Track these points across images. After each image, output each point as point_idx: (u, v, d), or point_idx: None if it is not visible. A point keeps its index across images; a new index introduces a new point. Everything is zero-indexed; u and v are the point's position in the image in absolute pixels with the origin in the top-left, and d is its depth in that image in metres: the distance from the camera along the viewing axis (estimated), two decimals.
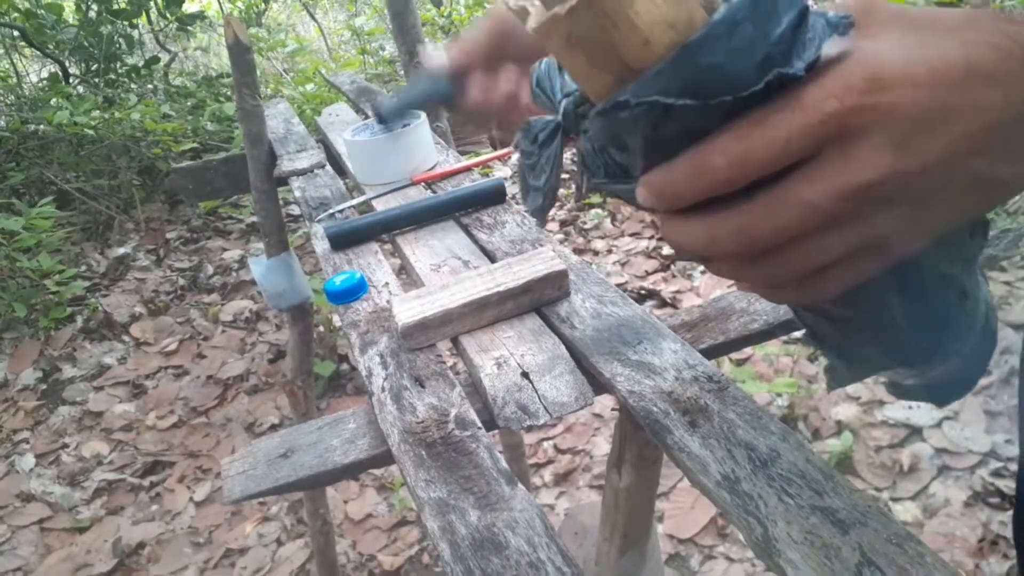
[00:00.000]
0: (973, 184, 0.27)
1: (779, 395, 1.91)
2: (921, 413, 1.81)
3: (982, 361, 0.42)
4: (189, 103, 3.93)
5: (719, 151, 0.26)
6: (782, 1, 0.25)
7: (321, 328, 2.41)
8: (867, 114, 0.25)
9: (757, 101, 0.26)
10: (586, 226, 3.08)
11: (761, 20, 0.25)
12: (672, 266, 2.67)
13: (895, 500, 1.62)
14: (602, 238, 2.97)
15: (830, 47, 0.26)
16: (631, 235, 2.95)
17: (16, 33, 3.92)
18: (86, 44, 3.84)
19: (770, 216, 0.27)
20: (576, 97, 0.38)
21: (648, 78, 0.26)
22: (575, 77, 0.29)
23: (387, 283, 0.82)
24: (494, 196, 0.96)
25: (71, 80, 4.01)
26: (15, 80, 4.01)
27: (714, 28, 0.25)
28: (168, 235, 3.55)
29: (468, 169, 1.10)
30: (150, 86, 4.26)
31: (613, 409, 2.01)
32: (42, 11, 3.77)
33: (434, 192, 1.04)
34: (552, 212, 3.32)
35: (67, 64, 4.05)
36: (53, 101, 3.35)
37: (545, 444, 1.97)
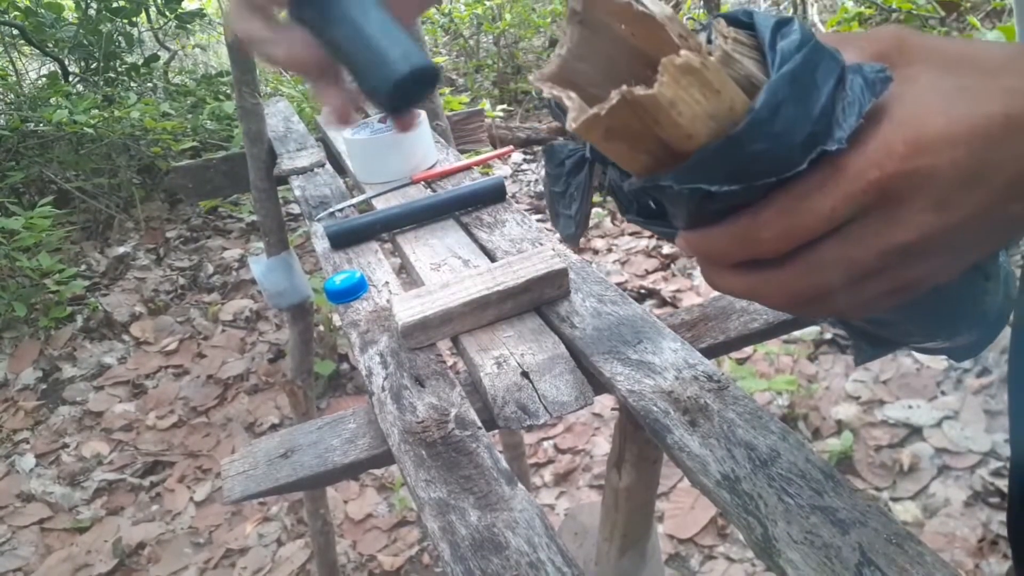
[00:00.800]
0: (1010, 223, 0.28)
1: (779, 394, 1.91)
2: (921, 413, 1.81)
3: (1001, 322, 0.42)
4: (189, 101, 3.93)
5: (764, 225, 0.27)
6: (820, 71, 0.25)
7: (321, 327, 2.41)
8: (909, 178, 0.25)
9: (800, 176, 0.26)
10: None
11: (802, 97, 0.25)
12: (672, 265, 2.67)
13: (895, 500, 1.62)
14: (602, 237, 2.97)
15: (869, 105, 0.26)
16: (631, 234, 2.95)
17: (15, 31, 3.92)
18: (85, 42, 3.84)
19: (812, 274, 0.28)
20: None
21: (691, 166, 0.26)
22: (612, 157, 0.29)
23: (387, 282, 0.82)
24: (494, 195, 0.96)
25: (70, 78, 4.01)
26: (15, 78, 4.01)
27: (757, 116, 0.25)
28: (168, 234, 3.55)
29: (468, 168, 1.09)
30: (150, 84, 4.26)
31: (613, 409, 2.01)
32: (42, 9, 3.77)
33: (434, 191, 1.04)
34: None
35: (66, 62, 4.04)
36: (53, 100, 3.35)
37: (545, 444, 1.97)
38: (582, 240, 2.93)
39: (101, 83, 3.95)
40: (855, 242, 0.27)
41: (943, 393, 1.86)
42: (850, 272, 0.27)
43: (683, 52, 0.24)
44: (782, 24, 0.26)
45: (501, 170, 3.87)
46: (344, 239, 0.91)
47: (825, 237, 0.27)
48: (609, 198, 2.92)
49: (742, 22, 0.28)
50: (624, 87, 0.25)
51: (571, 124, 0.27)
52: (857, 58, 0.27)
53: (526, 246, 0.85)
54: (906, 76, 0.27)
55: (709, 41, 0.29)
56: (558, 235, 0.45)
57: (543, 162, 0.45)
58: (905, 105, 0.26)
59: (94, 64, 3.95)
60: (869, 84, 0.26)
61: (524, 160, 4.04)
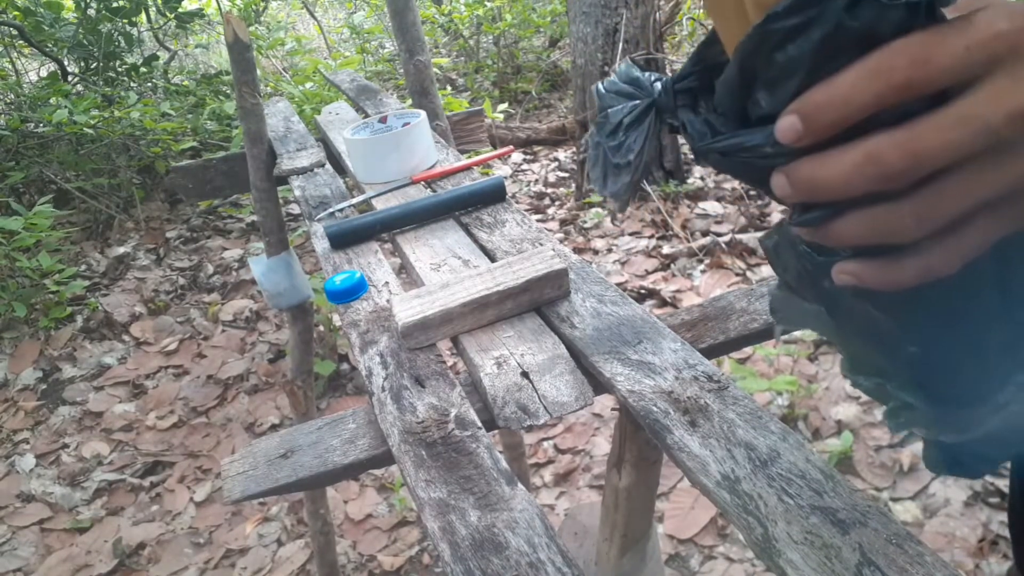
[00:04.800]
0: None
1: (779, 394, 1.91)
2: None
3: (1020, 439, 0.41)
4: (189, 101, 3.93)
5: (900, 52, 0.26)
6: None
7: (321, 328, 2.41)
8: None
9: (927, 15, 0.26)
10: (586, 225, 3.08)
11: None
12: (672, 265, 2.67)
13: (895, 500, 1.62)
14: (602, 237, 2.97)
15: None
16: (631, 234, 2.95)
17: (15, 31, 3.92)
18: (85, 42, 3.84)
19: (942, 131, 0.26)
20: (673, 77, 0.37)
21: None
22: (727, 22, 0.29)
23: (387, 282, 0.82)
24: (494, 195, 0.96)
25: (70, 78, 4.01)
26: (14, 79, 4.01)
27: None
28: (168, 234, 3.55)
29: (468, 168, 1.09)
30: (149, 84, 4.26)
31: (613, 409, 2.01)
32: (41, 9, 3.77)
33: (434, 191, 1.04)
34: (552, 211, 3.32)
35: (66, 62, 4.04)
36: (52, 100, 3.35)
37: (545, 444, 1.97)
38: (582, 241, 2.94)
39: (101, 83, 3.95)
40: (985, 99, 0.26)
41: None
42: (978, 134, 0.26)
43: None
44: None
45: (501, 170, 3.87)
46: (344, 239, 0.91)
47: (955, 94, 0.27)
48: (604, 207, 2.87)
49: None
50: None
51: None
52: None
53: (526, 246, 0.85)
54: None
55: None
56: (605, 194, 0.43)
57: (589, 135, 0.44)
58: None
59: (94, 64, 3.95)
60: None
61: (524, 160, 4.04)
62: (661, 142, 3.26)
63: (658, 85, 0.38)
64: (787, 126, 0.27)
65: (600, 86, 0.41)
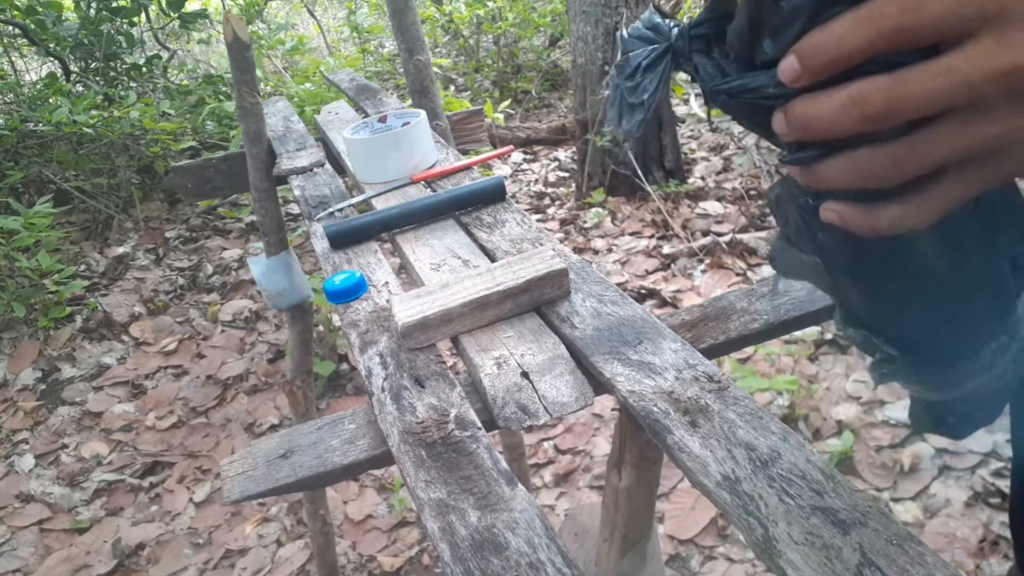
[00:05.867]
0: None
1: (780, 394, 1.91)
2: None
3: (1011, 390, 0.42)
4: (189, 101, 3.93)
5: (891, 1, 0.27)
6: None
7: (321, 328, 2.41)
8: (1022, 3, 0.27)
9: None
10: (586, 225, 3.08)
11: None
12: (672, 265, 2.67)
13: (896, 500, 1.62)
14: (602, 237, 2.97)
15: None
16: (631, 234, 2.95)
17: (16, 30, 3.92)
18: (86, 42, 3.84)
19: (923, 82, 0.28)
20: (690, 23, 0.40)
21: None
22: None
23: (387, 282, 0.82)
24: (494, 194, 0.96)
25: (70, 78, 4.01)
26: (14, 78, 4.01)
27: None
28: (167, 234, 3.55)
29: (468, 167, 1.09)
30: (149, 84, 4.26)
31: (613, 409, 2.01)
32: (42, 8, 3.77)
33: (434, 191, 1.04)
34: (552, 211, 3.32)
35: (67, 62, 4.04)
36: (52, 99, 3.35)
37: (545, 444, 1.97)
38: (582, 240, 2.94)
39: (101, 83, 3.95)
40: (966, 57, 0.27)
41: None
42: (958, 89, 0.28)
43: None
44: None
45: (501, 170, 3.87)
46: (344, 239, 0.91)
47: (942, 49, 0.28)
48: (604, 207, 2.88)
49: None
50: None
51: None
52: None
53: (526, 246, 0.84)
54: None
55: None
56: (619, 130, 0.46)
57: (611, 74, 0.47)
58: None
59: (94, 64, 3.95)
60: None
61: (524, 160, 4.04)
62: (662, 141, 3.26)
63: (676, 31, 0.41)
64: (787, 66, 0.29)
65: (624, 32, 0.44)
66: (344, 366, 2.43)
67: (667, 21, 0.42)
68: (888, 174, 0.30)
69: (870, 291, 0.38)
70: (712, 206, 3.03)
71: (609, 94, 0.45)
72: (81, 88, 3.94)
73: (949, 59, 0.28)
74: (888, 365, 0.41)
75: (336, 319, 2.44)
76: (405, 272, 0.91)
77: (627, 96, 0.44)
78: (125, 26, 4.10)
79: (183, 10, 4.14)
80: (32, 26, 3.75)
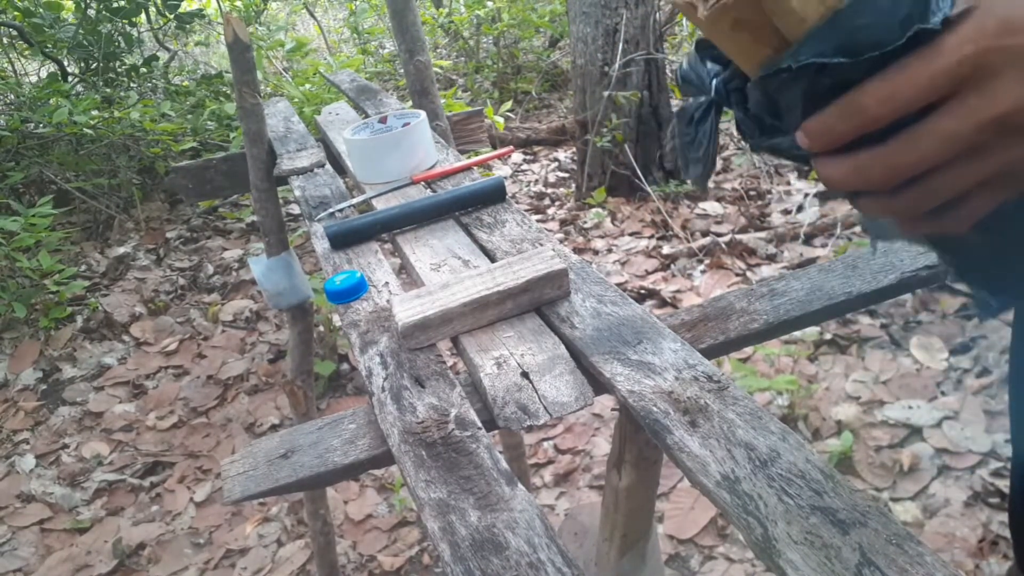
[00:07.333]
0: None
1: (780, 394, 1.91)
2: (921, 413, 1.81)
3: None
4: (189, 102, 3.93)
5: (869, 93, 0.30)
6: None
7: (321, 328, 2.41)
8: (1001, 54, 0.28)
9: (900, 54, 0.29)
10: (586, 225, 3.08)
11: None
12: (672, 265, 2.67)
13: (895, 500, 1.62)
14: (602, 237, 2.97)
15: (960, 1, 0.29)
16: (631, 234, 2.95)
17: (15, 32, 3.92)
18: (85, 43, 3.84)
19: (915, 147, 0.30)
20: (725, 76, 0.44)
21: (805, 44, 0.31)
22: (735, 55, 0.35)
23: (387, 283, 0.82)
24: (494, 195, 0.96)
25: (70, 79, 4.01)
26: (14, 79, 4.01)
27: None
28: (168, 234, 3.55)
29: (468, 168, 1.09)
30: (149, 85, 4.26)
31: (613, 409, 2.01)
32: (41, 10, 3.77)
33: (434, 191, 1.04)
34: (552, 211, 3.32)
35: (66, 63, 4.04)
36: (52, 100, 3.35)
37: (545, 444, 1.97)
38: (582, 241, 2.94)
39: (101, 83, 3.95)
40: (953, 115, 0.30)
41: (943, 393, 1.86)
42: (949, 145, 0.30)
43: None
44: None
45: (501, 170, 3.87)
46: (344, 239, 0.91)
47: (925, 112, 0.30)
48: (604, 207, 2.90)
49: None
50: None
51: (702, 14, 0.32)
52: None
53: (526, 246, 0.85)
54: None
55: None
56: (688, 179, 0.51)
57: (674, 123, 0.53)
58: (994, 0, 0.29)
59: (94, 64, 3.95)
60: None
61: (524, 160, 4.04)
62: (661, 142, 3.26)
63: (716, 82, 0.45)
64: (800, 140, 0.34)
65: (683, 64, 0.49)
66: (344, 366, 2.43)
67: (707, 68, 0.46)
68: (908, 214, 0.34)
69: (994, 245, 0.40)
70: (712, 206, 3.03)
71: (676, 143, 0.51)
72: (81, 89, 3.94)
73: (936, 121, 0.30)
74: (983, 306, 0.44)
75: (336, 319, 2.44)
76: (405, 272, 0.91)
77: (687, 151, 0.49)
78: (124, 27, 4.10)
79: (179, 11, 4.14)
80: (28, 28, 3.75)
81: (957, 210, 0.33)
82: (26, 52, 4.27)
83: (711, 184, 3.25)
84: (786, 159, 0.40)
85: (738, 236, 2.71)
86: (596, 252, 2.87)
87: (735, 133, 3.65)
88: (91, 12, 3.89)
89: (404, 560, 1.72)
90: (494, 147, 3.49)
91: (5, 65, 4.09)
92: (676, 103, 4.05)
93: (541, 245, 0.84)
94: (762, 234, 2.71)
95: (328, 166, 1.23)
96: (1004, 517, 1.51)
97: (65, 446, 2.28)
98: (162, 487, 2.08)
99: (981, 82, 0.29)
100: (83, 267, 3.25)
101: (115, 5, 3.92)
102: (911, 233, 0.37)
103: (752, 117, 0.40)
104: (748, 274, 2.52)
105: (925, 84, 0.29)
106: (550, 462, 1.91)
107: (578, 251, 2.86)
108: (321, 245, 0.93)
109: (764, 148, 0.40)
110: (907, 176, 0.31)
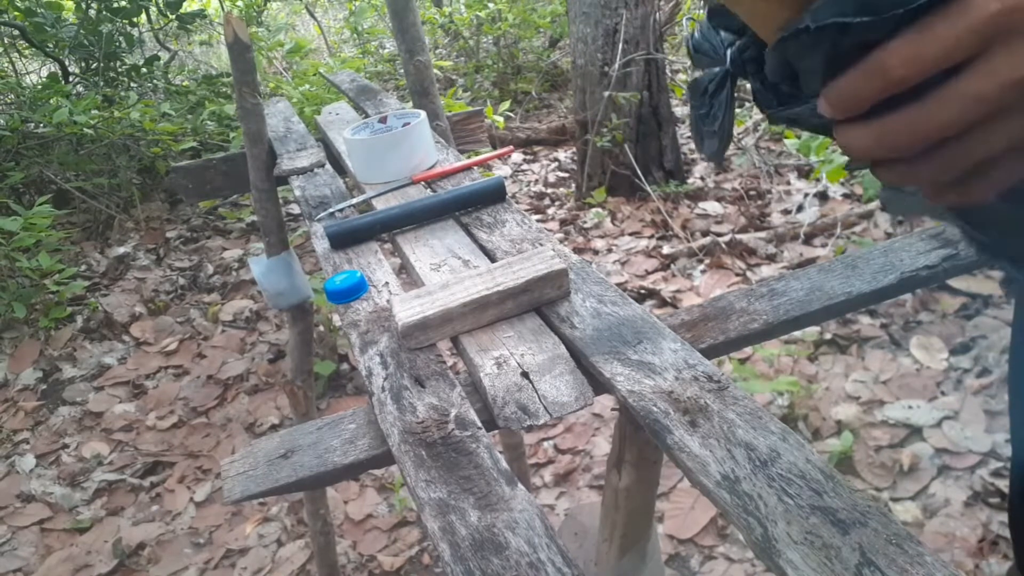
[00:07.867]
0: None
1: (780, 394, 1.91)
2: (921, 413, 1.81)
3: None
4: (189, 101, 3.93)
5: (893, 53, 0.29)
6: None
7: (321, 328, 2.41)
8: None
9: (924, 11, 0.28)
10: (586, 225, 3.08)
11: None
12: (672, 265, 2.67)
13: (895, 500, 1.62)
14: (602, 237, 2.97)
15: None
16: (631, 234, 2.95)
17: (16, 32, 3.92)
18: (86, 43, 3.84)
19: (941, 109, 0.29)
20: (740, 45, 0.43)
21: (825, 3, 0.29)
22: (752, 19, 0.34)
23: (387, 282, 0.82)
24: (494, 195, 0.96)
25: (70, 79, 4.01)
26: (15, 79, 4.01)
27: None
28: (168, 234, 3.55)
29: (468, 168, 1.09)
30: (150, 85, 4.26)
31: (613, 409, 2.01)
32: (42, 9, 3.77)
33: (434, 191, 1.04)
34: (552, 211, 3.32)
35: (67, 63, 4.04)
36: (52, 100, 3.35)
37: (545, 444, 1.97)
38: (582, 241, 2.94)
39: (101, 83, 3.95)
40: (979, 75, 0.28)
41: (943, 393, 1.86)
42: (977, 107, 0.29)
43: None
44: None
45: (501, 170, 3.87)
46: (344, 239, 0.91)
47: (951, 73, 0.29)
48: (604, 207, 2.90)
49: None
50: None
51: None
52: None
53: (526, 246, 0.85)
54: None
55: None
56: (703, 156, 0.50)
57: (686, 95, 0.50)
58: None
59: (94, 64, 3.95)
60: None
61: (524, 160, 4.04)
62: (662, 142, 3.26)
63: (731, 52, 0.44)
64: (821, 107, 0.33)
65: (695, 34, 0.48)
66: (344, 366, 2.43)
67: (720, 38, 0.45)
68: (933, 182, 0.33)
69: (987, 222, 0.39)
70: (712, 206, 3.03)
71: (689, 118, 0.49)
72: (82, 89, 3.94)
73: (963, 82, 0.29)
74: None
75: (336, 319, 2.44)
76: (405, 272, 0.91)
77: (702, 124, 0.48)
78: (125, 26, 4.10)
79: (180, 11, 4.14)
80: (29, 27, 3.75)
81: (984, 177, 0.32)
82: (27, 52, 4.27)
83: (711, 183, 3.25)
84: (806, 129, 0.39)
85: (738, 236, 2.71)
86: (596, 252, 2.87)
87: (734, 133, 3.65)
88: (92, 12, 3.89)
89: (404, 560, 1.72)
90: (494, 147, 3.50)
91: (6, 65, 4.09)
92: (675, 103, 4.05)
93: (541, 245, 0.84)
94: (762, 234, 2.71)
95: (328, 166, 1.23)
96: (1004, 517, 1.51)
97: (65, 446, 2.28)
98: (162, 487, 2.08)
99: (1007, 43, 0.28)
100: (83, 267, 3.25)
101: (116, 5, 3.92)
102: (936, 204, 0.35)
103: (769, 86, 0.39)
104: (748, 274, 2.52)
105: (952, 43, 0.28)
106: (550, 462, 1.91)
107: (578, 251, 2.86)
108: (321, 245, 0.93)
109: (782, 119, 0.39)
110: (933, 141, 0.30)
